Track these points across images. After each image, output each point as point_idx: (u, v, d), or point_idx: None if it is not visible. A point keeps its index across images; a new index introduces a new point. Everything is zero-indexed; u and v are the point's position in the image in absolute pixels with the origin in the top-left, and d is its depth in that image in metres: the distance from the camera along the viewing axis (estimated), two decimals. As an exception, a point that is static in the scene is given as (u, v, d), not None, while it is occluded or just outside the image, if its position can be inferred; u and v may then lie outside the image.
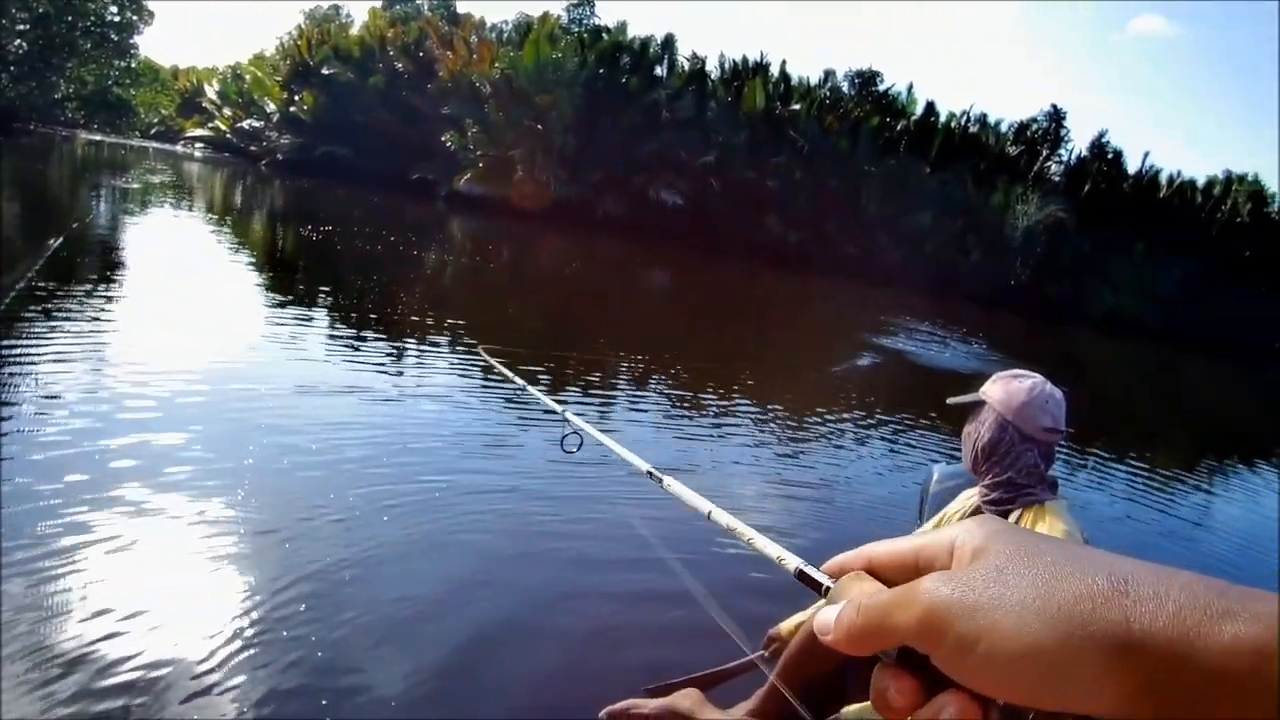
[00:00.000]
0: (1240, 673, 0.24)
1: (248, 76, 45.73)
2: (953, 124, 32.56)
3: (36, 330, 4.76)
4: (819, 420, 6.23)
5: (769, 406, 6.32)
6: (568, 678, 2.28)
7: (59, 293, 5.85)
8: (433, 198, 30.50)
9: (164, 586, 2.32)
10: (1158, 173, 32.32)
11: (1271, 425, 13.98)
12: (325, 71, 35.90)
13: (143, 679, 1.92)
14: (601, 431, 1.17)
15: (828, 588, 0.37)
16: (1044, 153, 33.23)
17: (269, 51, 49.70)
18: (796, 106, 30.69)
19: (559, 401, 1.65)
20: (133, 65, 42.68)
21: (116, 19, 37.91)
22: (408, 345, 6.42)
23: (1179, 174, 32.31)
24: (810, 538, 3.69)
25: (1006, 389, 1.65)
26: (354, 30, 42.34)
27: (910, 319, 16.24)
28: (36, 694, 1.82)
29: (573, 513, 3.39)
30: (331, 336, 6.35)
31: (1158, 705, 0.25)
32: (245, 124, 43.70)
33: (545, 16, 32.31)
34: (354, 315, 7.49)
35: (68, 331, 4.88)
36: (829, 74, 33.70)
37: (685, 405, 5.95)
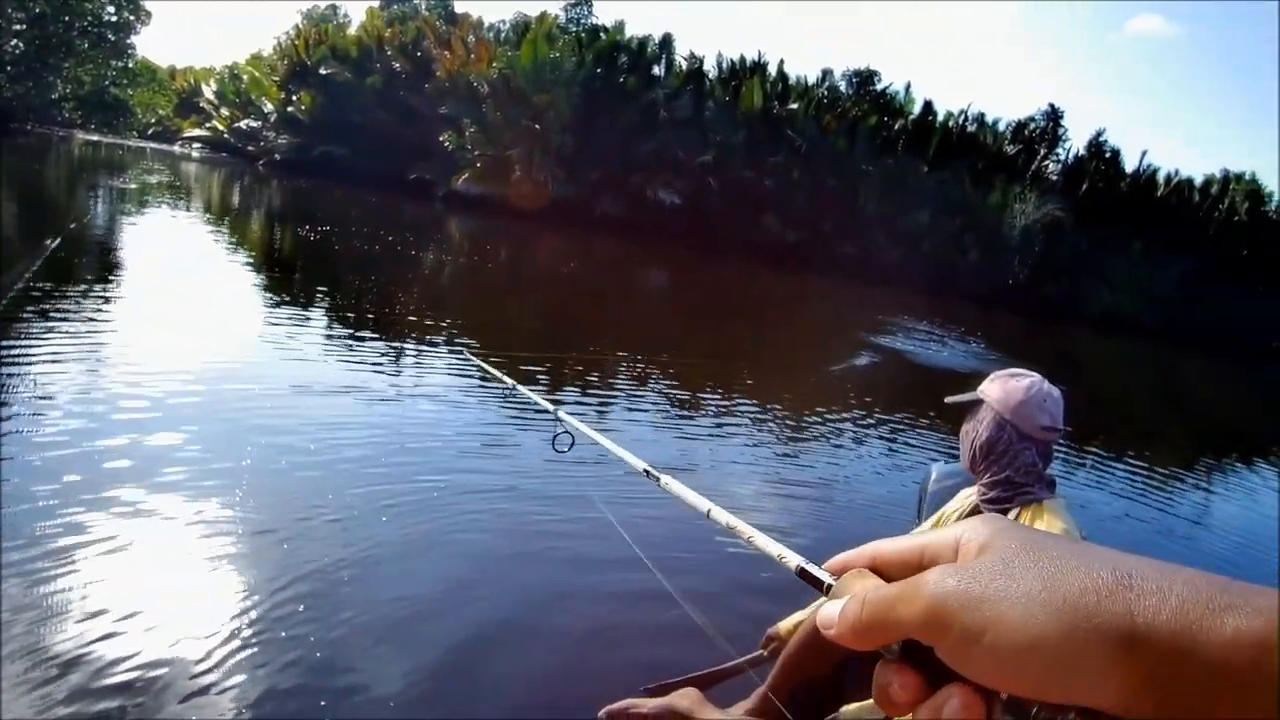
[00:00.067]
0: (1242, 665, 0.24)
1: (245, 76, 45.63)
2: (950, 123, 32.56)
3: (34, 330, 4.75)
4: (817, 419, 6.23)
5: (767, 406, 6.32)
6: (566, 677, 2.28)
7: (56, 293, 5.84)
8: (430, 198, 30.46)
9: (161, 587, 2.32)
10: (1155, 172, 32.35)
11: (1270, 424, 14.00)
12: (323, 71, 35.82)
13: (141, 679, 1.92)
14: (598, 431, 1.17)
15: (829, 585, 0.36)
16: (1042, 152, 33.24)
17: (266, 51, 49.69)
18: (794, 106, 30.68)
19: (553, 401, 1.65)
20: (130, 65, 42.58)
21: (114, 19, 37.80)
22: (405, 345, 6.41)
23: (1176, 173, 32.33)
24: (808, 537, 3.69)
25: (1004, 388, 1.65)
26: (351, 30, 42.26)
27: (908, 318, 16.25)
28: (35, 694, 1.81)
29: (571, 512, 3.38)
30: (329, 337, 6.34)
31: (1160, 698, 0.25)
32: (243, 124, 43.59)
33: (543, 16, 32.28)
34: (351, 315, 7.48)
35: (65, 332, 4.87)
36: (827, 73, 33.74)
37: (683, 405, 5.95)
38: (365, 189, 29.15)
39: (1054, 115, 33.45)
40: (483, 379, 5.43)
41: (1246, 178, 32.26)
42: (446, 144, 30.22)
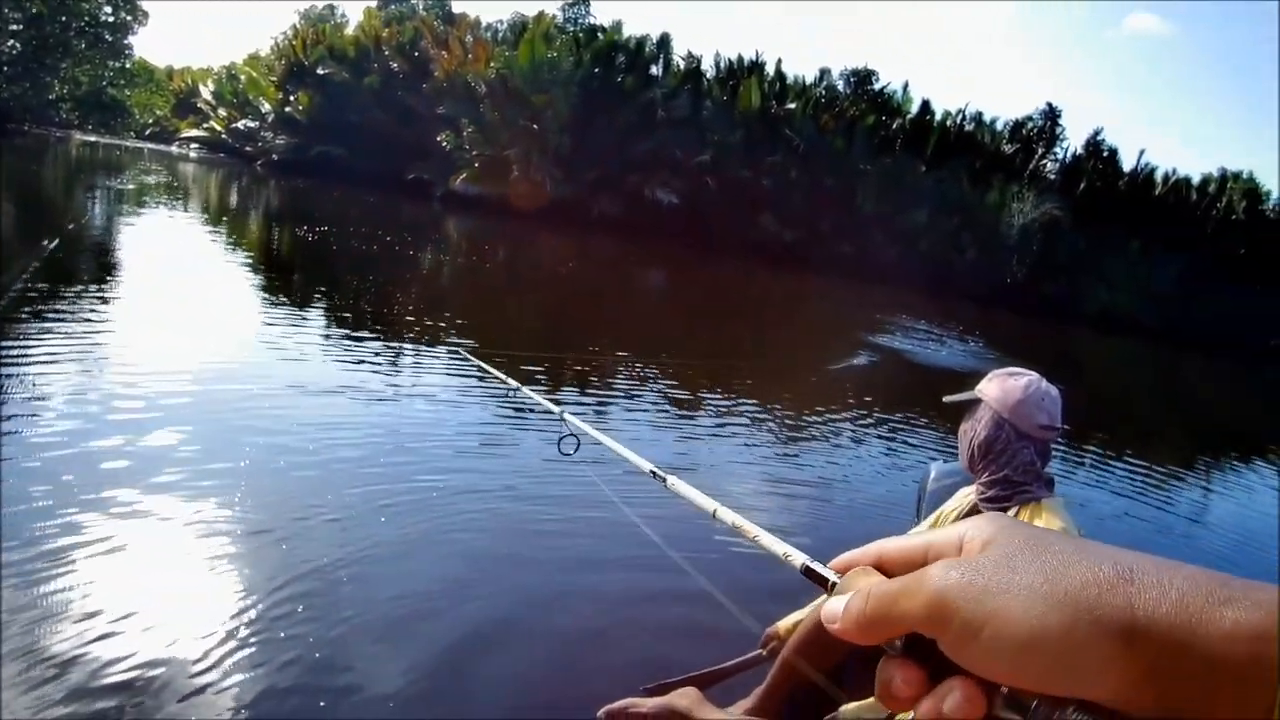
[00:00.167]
0: (1240, 658, 0.24)
1: (243, 77, 45.56)
2: (948, 122, 32.57)
3: (31, 331, 4.74)
4: (816, 419, 6.23)
5: (766, 406, 6.32)
6: (565, 677, 2.27)
7: (53, 294, 5.83)
8: (428, 198, 30.43)
9: (159, 587, 2.31)
10: (1153, 170, 32.36)
11: (1268, 423, 14.03)
12: (320, 71, 35.76)
13: (139, 679, 1.91)
14: (600, 431, 1.17)
15: (834, 583, 0.36)
16: (1039, 151, 33.26)
17: (264, 52, 49.66)
18: (792, 105, 30.67)
19: (556, 402, 1.65)
20: (127, 66, 42.50)
21: (111, 19, 37.75)
22: (403, 345, 6.41)
23: (1174, 172, 32.31)
24: (808, 536, 3.69)
25: (1002, 387, 1.65)
26: (349, 30, 42.25)
27: (906, 317, 16.25)
28: (33, 694, 1.81)
29: (569, 511, 3.38)
30: (327, 336, 6.33)
31: (1161, 690, 0.25)
32: (240, 124, 43.54)
33: (540, 16, 32.28)
34: (349, 315, 7.47)
35: (62, 332, 4.86)
36: (824, 73, 33.73)
37: (681, 405, 5.95)
38: (363, 189, 29.11)
39: (1051, 114, 33.48)
40: (481, 379, 5.43)
41: (1244, 176, 32.28)
42: (444, 144, 30.19)
